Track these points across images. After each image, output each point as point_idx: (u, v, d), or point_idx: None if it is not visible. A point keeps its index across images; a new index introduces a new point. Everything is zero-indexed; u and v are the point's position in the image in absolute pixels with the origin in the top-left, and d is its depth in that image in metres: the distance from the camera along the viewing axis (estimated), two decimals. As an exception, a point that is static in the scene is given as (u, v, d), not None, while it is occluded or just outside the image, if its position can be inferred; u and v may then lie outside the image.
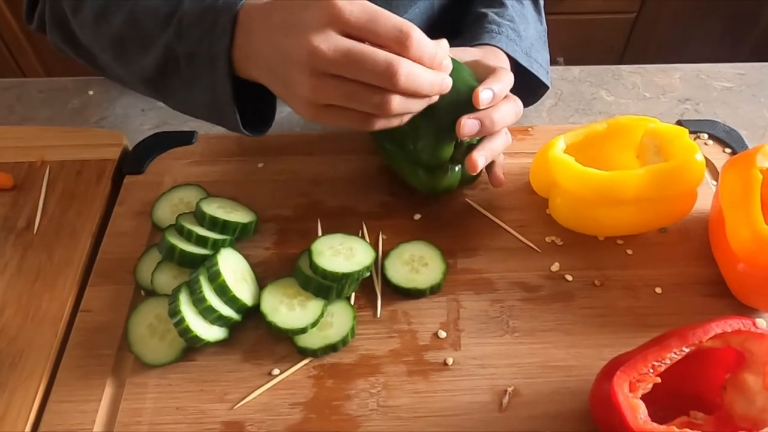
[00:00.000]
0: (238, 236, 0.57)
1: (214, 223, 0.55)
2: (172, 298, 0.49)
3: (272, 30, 0.46)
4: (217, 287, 0.50)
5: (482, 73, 0.54)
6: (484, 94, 0.50)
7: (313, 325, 0.50)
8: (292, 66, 0.45)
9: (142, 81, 0.56)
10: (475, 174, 0.57)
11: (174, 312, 0.48)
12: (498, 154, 0.56)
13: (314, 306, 0.51)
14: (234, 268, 0.53)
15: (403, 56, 0.43)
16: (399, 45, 0.43)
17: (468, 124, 0.50)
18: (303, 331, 0.50)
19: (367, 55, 0.42)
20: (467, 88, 0.51)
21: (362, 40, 0.43)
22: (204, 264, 0.52)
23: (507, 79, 0.53)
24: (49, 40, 0.62)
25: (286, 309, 0.51)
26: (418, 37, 0.43)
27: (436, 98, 0.48)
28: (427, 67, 0.45)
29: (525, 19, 0.68)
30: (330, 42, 0.43)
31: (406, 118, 0.49)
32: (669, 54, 1.71)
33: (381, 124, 0.48)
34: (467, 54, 0.58)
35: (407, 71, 0.43)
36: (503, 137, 0.55)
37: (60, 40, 0.61)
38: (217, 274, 0.50)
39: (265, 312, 0.51)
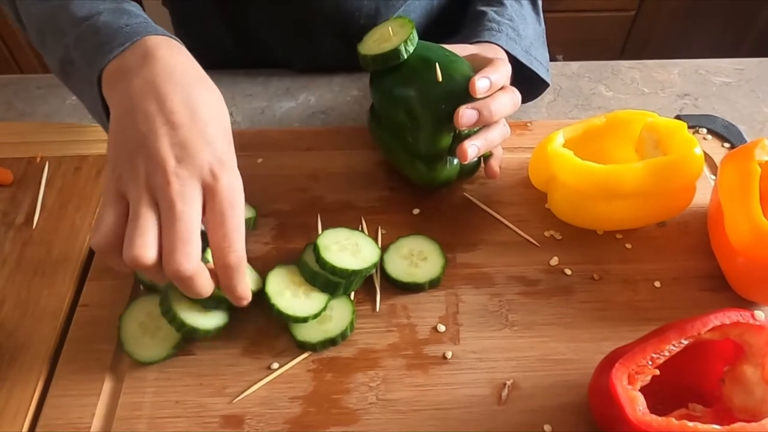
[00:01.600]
0: None
1: None
2: (163, 294, 0.49)
3: (126, 116, 0.43)
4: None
5: (480, 64, 0.54)
6: (480, 83, 0.50)
7: (315, 317, 0.50)
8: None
9: (54, 72, 0.54)
10: (469, 164, 0.57)
11: (167, 309, 0.48)
12: (495, 146, 0.56)
13: (318, 298, 0.51)
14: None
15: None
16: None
17: (466, 114, 0.50)
18: (304, 320, 0.50)
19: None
20: (464, 79, 0.51)
21: None
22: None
23: (504, 68, 0.53)
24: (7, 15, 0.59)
25: (291, 295, 0.51)
26: (234, 263, 0.41)
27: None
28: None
29: (524, 19, 0.68)
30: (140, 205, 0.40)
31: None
32: (668, 51, 1.71)
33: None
34: (466, 50, 0.58)
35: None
36: (500, 128, 0.55)
37: (12, 15, 0.58)
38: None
39: (270, 294, 0.51)
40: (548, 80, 0.66)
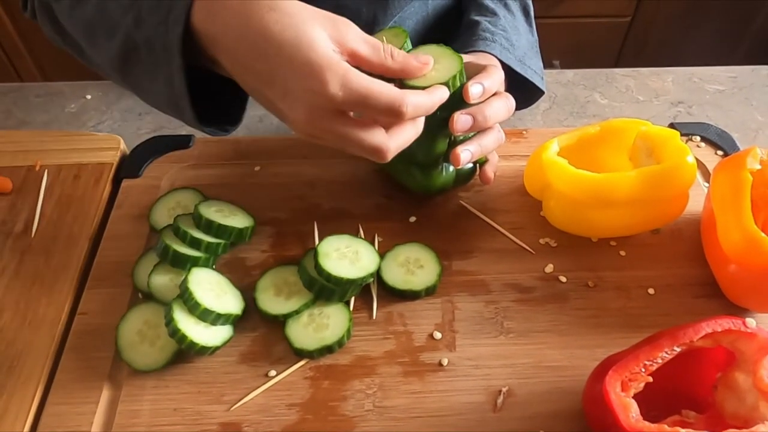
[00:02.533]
0: (233, 241, 0.57)
1: (209, 227, 0.56)
2: (168, 316, 0.49)
3: (251, 72, 0.45)
4: (201, 313, 0.50)
5: (473, 71, 0.54)
6: (474, 89, 0.50)
7: (284, 316, 0.52)
8: (283, 114, 0.45)
9: (112, 70, 0.53)
10: (464, 170, 0.58)
11: (174, 331, 0.48)
12: (490, 151, 0.56)
13: (296, 302, 0.53)
14: (208, 286, 0.52)
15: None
16: (395, 116, 0.44)
17: (461, 120, 0.51)
18: (273, 317, 0.52)
19: (355, 141, 0.44)
20: (459, 86, 0.52)
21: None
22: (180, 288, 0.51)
23: (497, 75, 0.53)
24: (42, 28, 0.60)
25: (273, 294, 0.54)
26: (413, 102, 0.44)
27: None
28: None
29: (517, 30, 0.69)
30: (320, 123, 0.44)
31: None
32: (664, 57, 1.72)
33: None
34: None
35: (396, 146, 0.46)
36: (495, 134, 0.56)
37: (49, 28, 0.59)
38: (191, 297, 0.50)
39: (257, 288, 0.54)
40: (543, 88, 0.67)
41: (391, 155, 0.46)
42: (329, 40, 0.43)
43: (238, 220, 0.58)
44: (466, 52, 0.62)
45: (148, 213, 0.60)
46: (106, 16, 0.50)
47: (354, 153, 0.47)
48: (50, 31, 0.59)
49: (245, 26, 0.43)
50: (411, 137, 0.47)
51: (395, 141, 0.46)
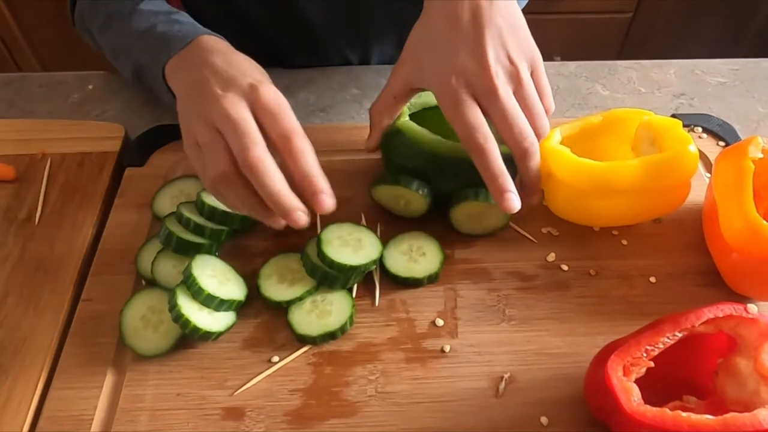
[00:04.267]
0: (237, 228, 0.57)
1: (212, 214, 0.56)
2: (171, 302, 0.49)
3: (184, 90, 0.53)
4: (204, 299, 0.50)
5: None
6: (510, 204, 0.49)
7: (287, 303, 0.52)
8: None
9: (131, 79, 0.67)
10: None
11: (177, 316, 0.49)
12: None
13: (299, 289, 0.53)
14: (211, 272, 0.52)
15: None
16: (241, 148, 0.46)
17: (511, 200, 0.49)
18: (276, 304, 0.52)
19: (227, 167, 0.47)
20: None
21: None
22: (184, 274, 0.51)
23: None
24: (85, 39, 0.73)
25: (276, 281, 0.54)
26: (259, 156, 0.45)
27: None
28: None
29: None
30: (209, 140, 0.48)
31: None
32: (665, 53, 1.72)
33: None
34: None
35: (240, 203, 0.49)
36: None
37: (89, 40, 0.71)
38: (194, 282, 0.50)
39: (260, 275, 0.54)
40: None
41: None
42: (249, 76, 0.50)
43: None
44: None
45: (151, 201, 0.61)
46: (123, 43, 0.64)
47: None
48: (91, 43, 0.72)
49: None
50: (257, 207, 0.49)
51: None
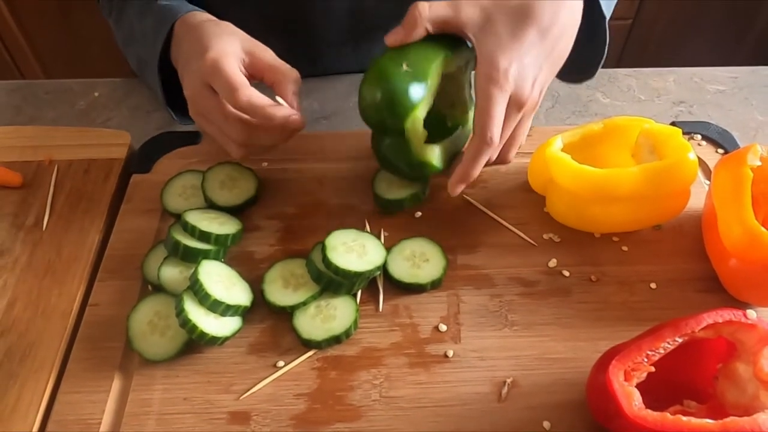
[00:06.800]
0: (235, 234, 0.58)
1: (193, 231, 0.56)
2: (178, 307, 0.50)
3: (180, 54, 0.61)
4: (211, 304, 0.51)
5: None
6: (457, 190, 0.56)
7: (291, 308, 0.53)
8: (185, 90, 0.58)
9: (137, 72, 0.72)
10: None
11: (184, 322, 0.49)
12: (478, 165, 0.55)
13: (303, 294, 0.53)
14: (217, 278, 0.53)
15: (237, 110, 0.55)
16: (231, 101, 0.54)
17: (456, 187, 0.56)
18: (280, 309, 0.53)
19: (217, 114, 0.56)
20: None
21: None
22: (190, 279, 0.52)
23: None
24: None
25: (281, 285, 0.55)
26: (243, 97, 0.53)
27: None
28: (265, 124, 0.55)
29: None
30: (198, 94, 0.56)
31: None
32: (665, 59, 1.73)
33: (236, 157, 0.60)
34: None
35: (244, 136, 0.56)
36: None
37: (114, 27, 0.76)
38: (201, 288, 0.51)
39: (265, 280, 0.55)
40: (606, 14, 0.61)
41: (240, 142, 0.57)
42: (239, 44, 0.58)
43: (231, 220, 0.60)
44: None
45: (161, 195, 0.62)
46: (131, 35, 0.68)
47: (215, 134, 0.58)
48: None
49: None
50: (260, 140, 0.57)
51: (250, 137, 0.56)
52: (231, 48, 0.56)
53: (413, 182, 0.62)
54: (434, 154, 0.57)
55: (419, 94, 0.53)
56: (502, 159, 0.58)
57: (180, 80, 0.60)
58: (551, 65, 0.54)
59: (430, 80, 0.53)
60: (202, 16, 0.62)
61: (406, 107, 0.53)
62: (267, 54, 0.58)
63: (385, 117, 0.54)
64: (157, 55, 0.63)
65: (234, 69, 0.54)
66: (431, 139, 0.56)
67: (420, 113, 0.54)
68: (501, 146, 0.55)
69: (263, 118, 0.53)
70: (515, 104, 0.52)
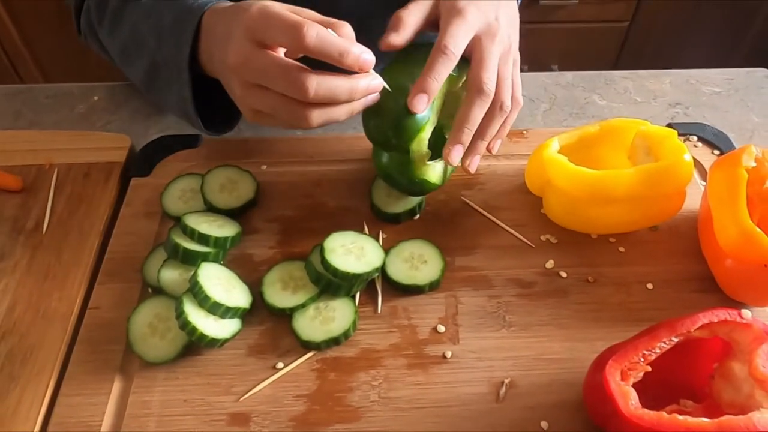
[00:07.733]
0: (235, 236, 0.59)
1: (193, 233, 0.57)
2: (178, 309, 0.50)
3: (216, 39, 0.52)
4: (210, 306, 0.51)
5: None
6: (418, 104, 0.51)
7: (290, 310, 0.53)
8: (227, 74, 0.51)
9: (139, 84, 0.63)
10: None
11: (184, 324, 0.50)
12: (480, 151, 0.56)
13: (302, 296, 0.54)
14: (217, 281, 0.54)
15: (303, 52, 0.46)
16: (296, 42, 0.45)
17: (453, 154, 0.53)
18: (280, 311, 0.53)
19: (278, 69, 0.47)
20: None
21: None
22: (190, 281, 0.53)
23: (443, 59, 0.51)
24: (92, 47, 0.70)
25: (280, 288, 0.55)
26: (311, 32, 0.45)
27: (366, 100, 0.51)
28: (339, 63, 0.47)
29: None
30: (248, 56, 0.47)
31: (342, 117, 0.51)
32: (662, 62, 1.73)
33: (314, 124, 0.50)
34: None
35: (316, 83, 0.46)
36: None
37: (96, 47, 0.69)
38: (201, 290, 0.51)
39: (264, 282, 0.55)
40: None
41: (312, 94, 0.46)
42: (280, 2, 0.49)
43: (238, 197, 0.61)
44: None
45: (160, 198, 0.62)
46: (137, 39, 0.59)
47: (282, 111, 0.49)
48: (97, 49, 0.69)
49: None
50: (337, 89, 0.48)
51: (321, 84, 0.46)
52: (274, 2, 0.49)
53: (411, 196, 0.62)
54: (434, 173, 0.57)
55: (425, 115, 0.53)
56: (495, 100, 0.54)
57: (212, 72, 0.54)
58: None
59: (436, 101, 0.54)
60: (228, 2, 0.55)
61: (413, 129, 0.53)
62: (312, 12, 0.51)
63: (391, 137, 0.53)
64: (188, 44, 0.53)
65: (287, 10, 0.48)
66: (432, 155, 0.56)
67: (426, 134, 0.54)
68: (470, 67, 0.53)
69: (338, 53, 0.46)
70: (477, 28, 0.52)
